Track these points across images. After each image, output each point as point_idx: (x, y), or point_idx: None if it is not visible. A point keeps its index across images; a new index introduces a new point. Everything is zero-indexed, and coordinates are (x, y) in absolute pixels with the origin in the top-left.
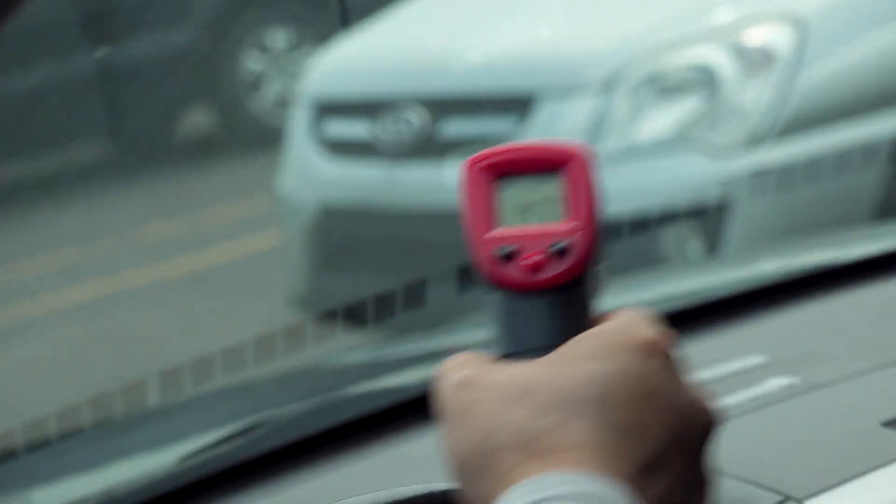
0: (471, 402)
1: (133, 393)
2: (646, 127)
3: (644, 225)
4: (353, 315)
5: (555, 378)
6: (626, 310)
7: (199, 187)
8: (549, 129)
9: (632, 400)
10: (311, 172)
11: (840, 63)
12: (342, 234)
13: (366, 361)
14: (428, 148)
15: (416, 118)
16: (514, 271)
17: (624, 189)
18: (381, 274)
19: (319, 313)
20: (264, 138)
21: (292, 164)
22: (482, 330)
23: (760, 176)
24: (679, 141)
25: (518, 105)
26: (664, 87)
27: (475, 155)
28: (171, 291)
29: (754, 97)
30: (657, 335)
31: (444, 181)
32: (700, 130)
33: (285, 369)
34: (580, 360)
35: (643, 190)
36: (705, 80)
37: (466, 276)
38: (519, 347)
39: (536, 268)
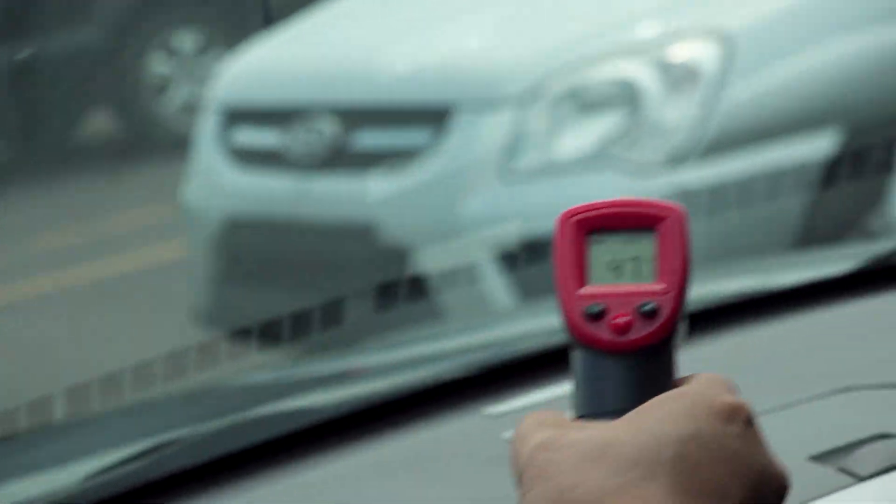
0: (549, 462)
1: (38, 408)
2: (565, 143)
3: None
4: (268, 333)
5: (633, 438)
6: (706, 374)
7: (103, 193)
8: (467, 142)
9: (709, 463)
10: (217, 182)
11: (767, 82)
12: (249, 247)
13: (279, 381)
14: (340, 160)
15: (328, 128)
16: (601, 330)
17: (541, 206)
18: (289, 290)
19: (233, 330)
20: (170, 144)
21: (198, 172)
22: (398, 350)
23: (683, 197)
24: (599, 158)
25: (434, 117)
26: (585, 103)
27: (570, 208)
28: (74, 301)
29: (678, 115)
30: (736, 400)
31: (356, 194)
32: (621, 148)
33: (196, 387)
34: (659, 421)
35: (561, 208)
36: (627, 95)
37: (385, 294)
38: (600, 408)
39: (625, 329)
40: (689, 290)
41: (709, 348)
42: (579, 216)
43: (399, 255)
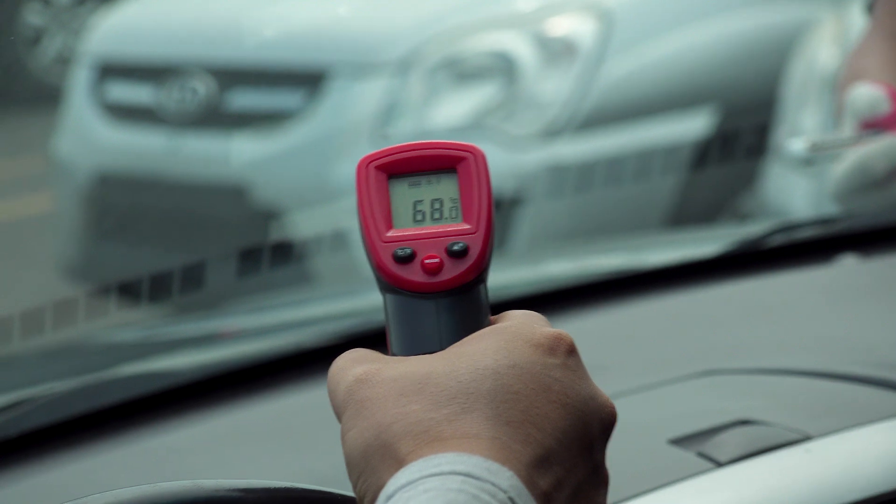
0: (368, 398)
1: None
2: (440, 112)
3: None
4: (128, 291)
5: (451, 371)
6: (522, 311)
7: None
8: (341, 106)
9: (527, 395)
10: (88, 136)
11: (643, 60)
12: (119, 203)
13: (138, 341)
14: (213, 118)
15: (202, 87)
16: (412, 273)
17: None
18: (158, 248)
19: (93, 287)
20: (42, 96)
21: (70, 125)
22: (263, 315)
23: (556, 173)
24: (474, 128)
25: (309, 80)
26: (462, 73)
27: (369, 153)
28: None
29: (554, 88)
30: (556, 332)
31: (228, 154)
32: (496, 119)
33: (54, 344)
34: (476, 355)
35: None
36: (504, 67)
37: (247, 259)
38: (418, 349)
39: (435, 270)
40: (495, 229)
41: (575, 325)
42: (378, 161)
43: (270, 217)
